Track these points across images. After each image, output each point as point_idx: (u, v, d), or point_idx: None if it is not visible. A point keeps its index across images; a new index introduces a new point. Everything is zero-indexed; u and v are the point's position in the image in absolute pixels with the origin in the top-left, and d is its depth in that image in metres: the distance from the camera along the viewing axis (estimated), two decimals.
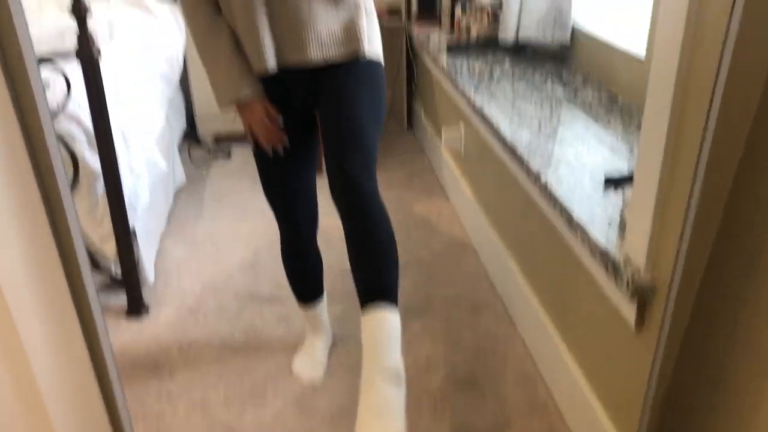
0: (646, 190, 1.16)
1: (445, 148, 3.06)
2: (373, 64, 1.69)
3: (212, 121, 3.60)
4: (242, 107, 1.66)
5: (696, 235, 1.02)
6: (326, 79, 1.65)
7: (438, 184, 3.22)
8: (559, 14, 2.53)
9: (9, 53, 0.83)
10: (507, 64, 2.64)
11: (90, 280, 1.03)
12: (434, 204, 3.04)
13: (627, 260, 1.27)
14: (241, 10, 1.55)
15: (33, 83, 0.85)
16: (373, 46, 1.70)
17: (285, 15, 1.57)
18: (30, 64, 0.84)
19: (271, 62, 1.59)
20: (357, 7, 1.64)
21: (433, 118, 3.39)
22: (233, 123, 3.55)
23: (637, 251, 1.23)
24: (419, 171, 3.38)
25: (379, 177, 3.48)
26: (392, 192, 3.15)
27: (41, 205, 0.93)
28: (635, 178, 1.22)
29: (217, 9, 1.63)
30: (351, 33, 1.64)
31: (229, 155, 3.54)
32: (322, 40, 1.61)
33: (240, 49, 1.62)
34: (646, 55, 1.92)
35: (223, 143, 3.64)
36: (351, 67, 1.66)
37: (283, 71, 1.63)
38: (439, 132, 3.18)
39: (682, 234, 1.04)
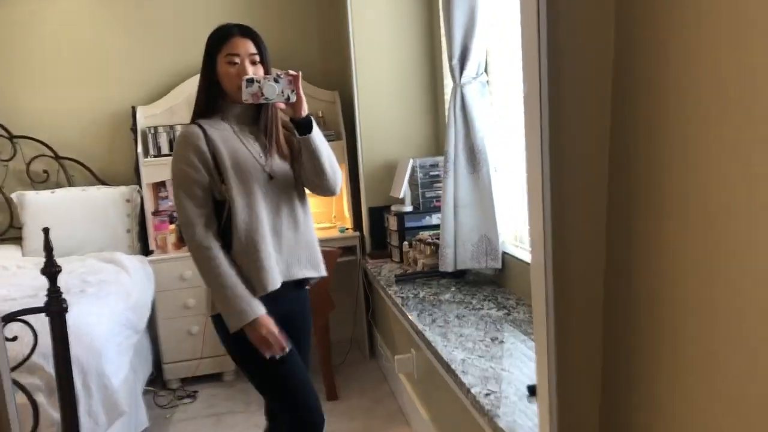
0: (545, 395, 1.30)
1: (401, 374, 3.17)
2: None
3: (179, 366, 3.71)
4: (254, 325, 1.84)
5: None
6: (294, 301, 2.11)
7: (400, 410, 3.27)
8: (489, 244, 2.83)
9: None
10: (450, 291, 2.87)
11: None
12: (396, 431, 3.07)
13: None
14: (255, 240, 1.90)
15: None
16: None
17: (283, 244, 1.97)
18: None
19: (278, 282, 1.93)
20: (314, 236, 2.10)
21: (390, 345, 3.54)
22: (197, 369, 3.67)
23: None
24: (381, 398, 3.44)
25: (342, 407, 3.51)
26: (356, 423, 3.17)
27: None
28: (537, 384, 1.36)
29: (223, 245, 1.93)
30: (315, 258, 2.08)
31: (194, 397, 3.59)
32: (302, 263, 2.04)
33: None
34: None
35: (189, 385, 3.71)
36: (305, 299, 2.16)
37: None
38: None
39: None
